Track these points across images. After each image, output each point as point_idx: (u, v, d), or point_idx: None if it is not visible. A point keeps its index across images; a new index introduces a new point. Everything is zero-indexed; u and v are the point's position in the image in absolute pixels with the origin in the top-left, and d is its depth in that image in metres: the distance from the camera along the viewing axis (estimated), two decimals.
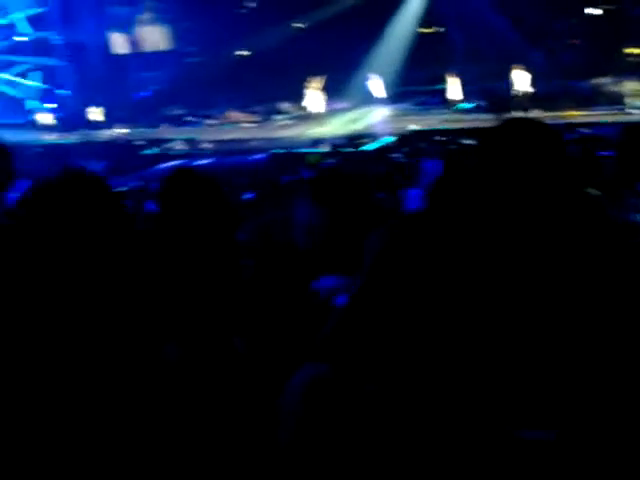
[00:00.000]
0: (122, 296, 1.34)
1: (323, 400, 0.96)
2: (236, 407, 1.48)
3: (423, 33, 24.71)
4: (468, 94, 18.17)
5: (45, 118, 21.13)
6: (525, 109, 14.49)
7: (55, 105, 25.50)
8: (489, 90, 17.87)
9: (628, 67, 16.38)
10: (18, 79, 26.17)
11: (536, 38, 19.21)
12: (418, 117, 16.70)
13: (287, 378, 1.15)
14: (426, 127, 14.93)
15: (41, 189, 1.36)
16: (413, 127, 15.01)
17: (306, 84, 16.85)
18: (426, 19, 23.64)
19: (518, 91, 14.77)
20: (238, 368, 1.67)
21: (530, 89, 15.16)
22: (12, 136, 16.60)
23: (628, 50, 16.88)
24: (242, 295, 1.93)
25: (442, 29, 23.40)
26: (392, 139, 13.48)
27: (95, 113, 20.43)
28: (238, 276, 2.02)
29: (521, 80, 14.84)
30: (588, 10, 19.74)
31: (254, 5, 27.08)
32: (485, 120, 14.86)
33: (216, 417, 1.43)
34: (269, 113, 20.29)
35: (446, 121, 16.12)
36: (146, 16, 28.77)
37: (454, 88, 16.82)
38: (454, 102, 16.87)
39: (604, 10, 19.60)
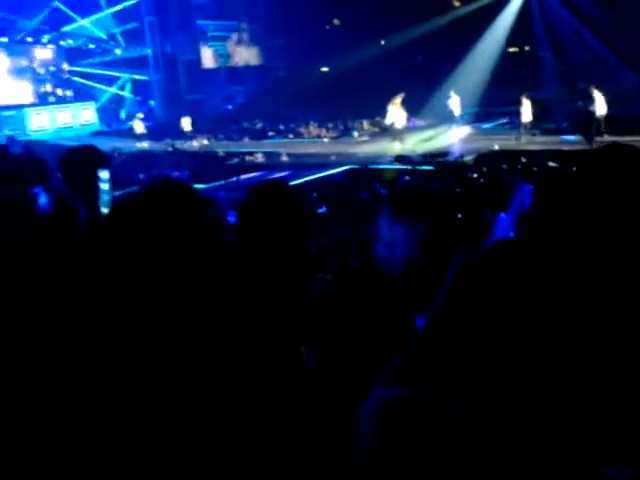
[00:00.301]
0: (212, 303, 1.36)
1: (402, 425, 0.94)
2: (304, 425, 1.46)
3: (510, 52, 24.32)
4: (554, 116, 17.64)
5: (138, 127, 22.35)
6: (602, 132, 13.91)
7: (142, 115, 26.79)
8: (572, 112, 17.30)
9: None
10: (119, 91, 27.70)
11: (631, 60, 18.47)
12: (497, 137, 16.36)
13: (360, 399, 1.12)
14: (507, 148, 14.60)
15: (141, 197, 1.40)
16: (495, 147, 14.72)
17: (390, 101, 16.92)
18: (513, 38, 23.27)
19: (599, 114, 14.12)
20: (307, 383, 1.66)
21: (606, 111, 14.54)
22: (113, 142, 17.77)
23: None
24: (315, 309, 1.92)
25: (528, 47, 22.94)
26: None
27: (186, 123, 21.35)
28: (310, 289, 2.02)
29: (600, 102, 14.18)
30: None
31: (339, 23, 27.53)
32: (571, 144, 14.42)
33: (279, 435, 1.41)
34: (348, 129, 20.44)
35: (527, 142, 15.71)
36: (238, 34, 29.86)
37: (526, 110, 16.48)
38: (526, 125, 16.47)
39: None
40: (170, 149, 17.60)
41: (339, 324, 1.87)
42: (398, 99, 16.99)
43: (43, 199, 2.01)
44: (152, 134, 21.95)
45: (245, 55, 30.33)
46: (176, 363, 1.28)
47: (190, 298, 1.33)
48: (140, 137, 21.60)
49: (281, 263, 1.90)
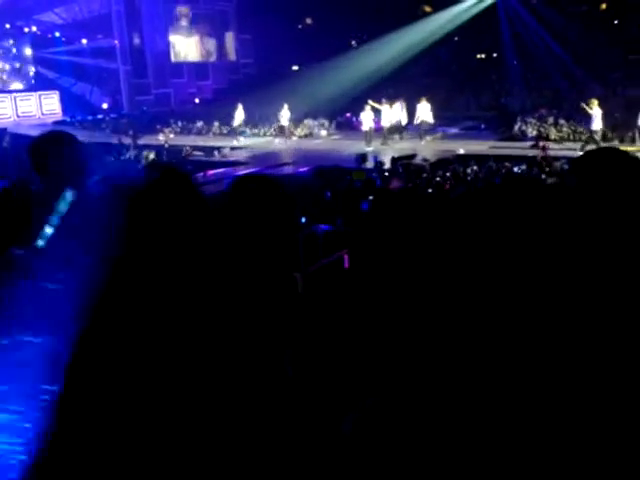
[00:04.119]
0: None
1: None
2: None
3: (478, 59, 24.66)
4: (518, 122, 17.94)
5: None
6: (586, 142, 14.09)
7: (107, 106, 26.37)
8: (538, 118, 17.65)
9: None
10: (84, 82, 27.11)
11: (595, 72, 18.92)
12: (464, 142, 16.60)
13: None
14: (472, 152, 14.81)
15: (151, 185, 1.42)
16: (460, 151, 14.91)
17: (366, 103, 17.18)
18: (481, 44, 23.62)
19: (595, 128, 14.25)
20: (286, 390, 1.63)
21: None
22: (76, 134, 17.21)
23: None
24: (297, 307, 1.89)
25: (496, 54, 23.30)
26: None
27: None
28: (295, 287, 1.99)
29: (598, 117, 14.30)
30: None
31: (312, 22, 27.54)
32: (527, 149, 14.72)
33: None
34: (317, 127, 20.45)
35: (493, 147, 15.97)
36: (206, 27, 29.56)
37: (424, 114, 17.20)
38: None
39: None
40: (126, 143, 17.25)
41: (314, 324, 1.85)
42: (370, 102, 17.22)
43: None
44: (117, 127, 21.57)
45: (213, 47, 30.07)
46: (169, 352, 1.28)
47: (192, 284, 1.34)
48: (105, 129, 21.22)
49: (267, 257, 1.87)
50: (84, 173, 2.50)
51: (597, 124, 14.55)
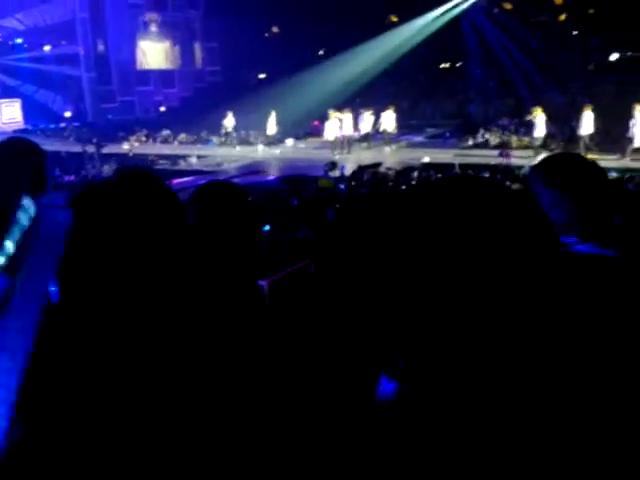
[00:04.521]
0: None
1: None
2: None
3: (441, 68, 25.01)
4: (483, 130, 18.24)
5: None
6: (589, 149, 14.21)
7: (70, 114, 25.93)
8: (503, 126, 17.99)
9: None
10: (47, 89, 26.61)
11: (556, 80, 19.36)
12: (429, 150, 16.80)
13: None
14: (437, 160, 15.01)
15: (104, 186, 1.35)
16: (425, 159, 15.08)
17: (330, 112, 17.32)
18: (445, 54, 23.96)
19: (584, 133, 14.37)
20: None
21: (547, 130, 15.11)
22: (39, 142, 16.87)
23: None
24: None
25: (460, 64, 23.68)
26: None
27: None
28: (260, 294, 1.98)
29: (588, 121, 14.42)
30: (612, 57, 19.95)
31: (278, 31, 27.58)
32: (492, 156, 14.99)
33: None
34: (285, 136, 20.46)
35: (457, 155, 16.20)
36: (175, 34, 29.38)
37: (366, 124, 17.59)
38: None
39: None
40: (90, 151, 16.98)
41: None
42: (334, 111, 17.36)
43: None
44: (81, 135, 21.25)
45: (179, 55, 29.90)
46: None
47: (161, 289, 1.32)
48: (68, 137, 20.87)
49: (231, 265, 1.86)
50: (45, 183, 2.46)
51: (539, 131, 14.88)
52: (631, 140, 13.82)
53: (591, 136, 14.58)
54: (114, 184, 1.39)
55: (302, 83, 21.87)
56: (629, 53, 19.97)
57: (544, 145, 15.10)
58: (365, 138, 18.36)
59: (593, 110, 14.50)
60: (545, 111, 15.31)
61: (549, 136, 15.55)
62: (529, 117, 15.21)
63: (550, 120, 15.59)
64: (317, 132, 20.65)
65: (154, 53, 29.06)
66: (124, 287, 1.29)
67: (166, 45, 29.42)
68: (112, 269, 1.29)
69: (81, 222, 1.30)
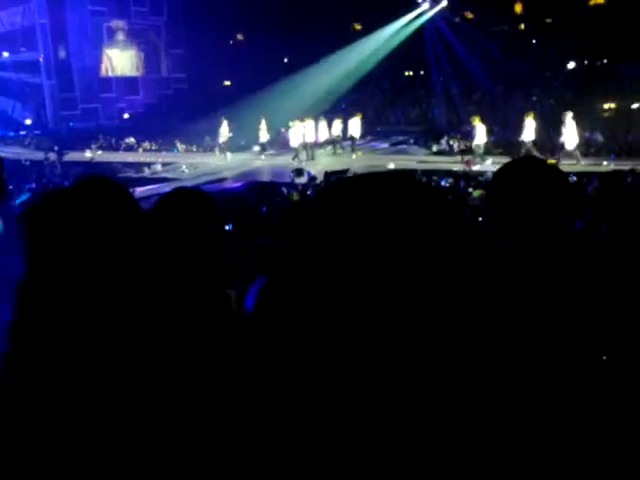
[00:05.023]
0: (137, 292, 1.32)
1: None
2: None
3: (406, 76, 25.33)
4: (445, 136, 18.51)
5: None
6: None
7: (30, 122, 25.41)
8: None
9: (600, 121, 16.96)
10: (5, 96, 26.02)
11: (518, 89, 19.78)
12: (394, 157, 16.98)
13: None
14: (401, 167, 15.17)
15: (62, 194, 1.33)
16: (390, 166, 15.22)
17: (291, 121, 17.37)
18: (409, 62, 24.27)
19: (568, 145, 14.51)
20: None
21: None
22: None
23: (606, 105, 17.45)
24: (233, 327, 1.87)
25: (423, 72, 24.02)
26: None
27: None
28: (229, 305, 1.97)
29: (571, 130, 14.50)
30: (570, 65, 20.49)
31: (243, 38, 27.54)
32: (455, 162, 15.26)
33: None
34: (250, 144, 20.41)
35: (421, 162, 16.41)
36: (140, 42, 29.06)
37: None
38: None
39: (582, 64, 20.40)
40: (51, 159, 16.67)
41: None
42: (298, 120, 17.41)
43: None
44: (41, 143, 20.84)
45: (143, 62, 29.61)
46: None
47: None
48: (29, 145, 20.44)
49: (199, 271, 1.84)
50: (3, 188, 2.44)
51: (480, 139, 15.20)
52: (563, 146, 14.32)
53: (534, 142, 14.97)
54: (71, 191, 1.37)
55: (270, 90, 21.87)
56: (586, 62, 20.56)
57: (488, 152, 15.43)
58: (333, 144, 18.46)
59: (535, 118, 14.91)
60: (507, 118, 15.64)
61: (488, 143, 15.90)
62: (468, 127, 15.59)
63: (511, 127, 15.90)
64: (285, 139, 20.66)
65: (121, 60, 28.71)
66: (80, 300, 1.27)
67: (132, 52, 29.11)
68: (68, 279, 1.27)
69: (33, 236, 1.28)
